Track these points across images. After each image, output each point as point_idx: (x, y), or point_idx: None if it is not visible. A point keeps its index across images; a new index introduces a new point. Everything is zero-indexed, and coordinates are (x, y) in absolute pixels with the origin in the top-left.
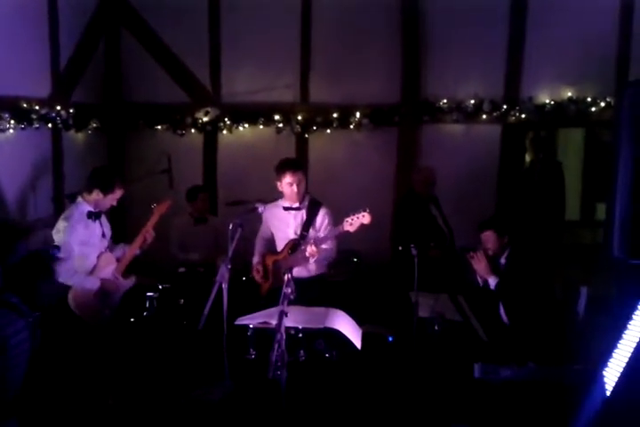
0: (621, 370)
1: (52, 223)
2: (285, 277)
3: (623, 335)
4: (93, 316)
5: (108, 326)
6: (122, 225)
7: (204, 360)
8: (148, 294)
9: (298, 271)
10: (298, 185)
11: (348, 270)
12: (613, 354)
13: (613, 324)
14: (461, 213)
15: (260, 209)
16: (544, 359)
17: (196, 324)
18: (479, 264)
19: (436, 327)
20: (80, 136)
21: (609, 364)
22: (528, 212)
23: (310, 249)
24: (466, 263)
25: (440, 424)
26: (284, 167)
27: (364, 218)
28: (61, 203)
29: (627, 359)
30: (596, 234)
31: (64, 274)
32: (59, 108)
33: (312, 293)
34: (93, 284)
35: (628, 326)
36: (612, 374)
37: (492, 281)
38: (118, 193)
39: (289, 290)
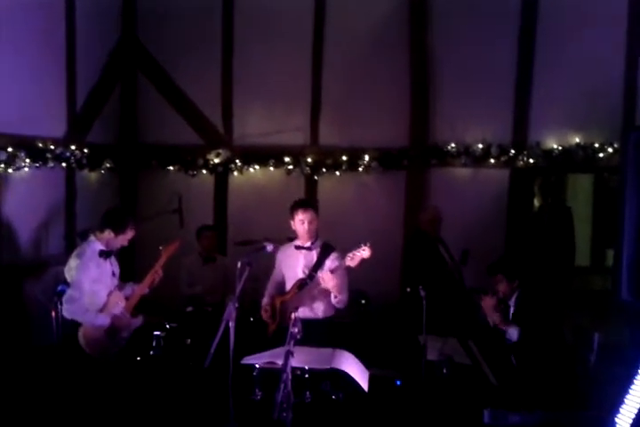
0: (633, 415)
1: (63, 261)
2: (292, 315)
3: (635, 380)
4: (102, 353)
5: (116, 364)
6: (131, 264)
7: (209, 400)
8: (155, 333)
9: (305, 312)
10: (309, 223)
11: (356, 312)
12: (625, 400)
13: (625, 369)
14: (470, 258)
15: (269, 248)
16: (554, 405)
17: (202, 363)
18: (488, 305)
19: (445, 371)
20: (93, 176)
21: (621, 409)
22: (537, 257)
23: (326, 276)
24: (476, 304)
25: None
26: (296, 205)
27: (365, 252)
28: (73, 241)
29: (638, 405)
30: (606, 280)
31: (76, 311)
32: (73, 147)
33: (319, 334)
34: (104, 321)
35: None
36: (624, 419)
37: (512, 331)
38: (130, 234)
39: (295, 329)
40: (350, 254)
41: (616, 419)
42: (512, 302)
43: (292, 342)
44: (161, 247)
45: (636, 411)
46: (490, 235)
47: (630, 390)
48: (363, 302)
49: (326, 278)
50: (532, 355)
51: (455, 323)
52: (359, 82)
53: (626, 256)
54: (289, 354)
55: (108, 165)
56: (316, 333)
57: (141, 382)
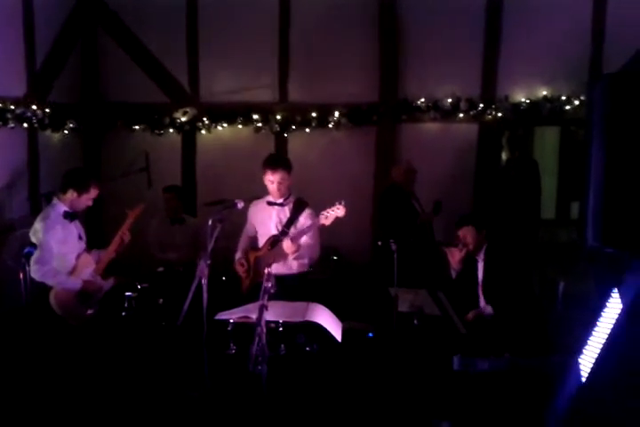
0: (596, 357)
1: (28, 223)
2: (265, 271)
3: (597, 323)
4: (75, 316)
5: (89, 325)
6: (99, 226)
7: (184, 357)
8: (127, 293)
9: (278, 268)
10: (279, 183)
11: (328, 268)
12: (588, 342)
13: (589, 314)
14: (441, 208)
15: (239, 205)
16: (522, 351)
17: (176, 322)
18: (455, 258)
19: (416, 322)
20: (56, 136)
21: (584, 351)
22: (505, 210)
23: (287, 244)
24: (444, 257)
25: (421, 418)
26: (264, 164)
27: (339, 211)
28: (37, 202)
29: (601, 346)
30: (571, 232)
31: (46, 274)
32: (34, 107)
33: (293, 289)
34: (75, 284)
35: (602, 313)
36: (586, 361)
37: (486, 308)
38: (93, 193)
39: (269, 284)
40: (325, 213)
41: (579, 360)
42: (480, 257)
43: (265, 297)
44: (127, 210)
45: (597, 352)
46: (459, 189)
47: (593, 332)
48: (334, 258)
49: (286, 246)
50: (500, 304)
51: (425, 275)
52: (327, 38)
53: (592, 203)
54: (263, 308)
55: (71, 126)
56: (289, 288)
57: (115, 342)
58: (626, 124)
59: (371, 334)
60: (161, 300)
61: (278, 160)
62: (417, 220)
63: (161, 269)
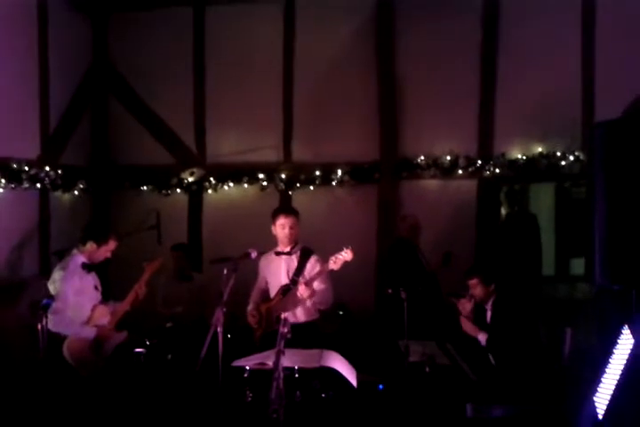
0: (611, 393)
1: (38, 282)
2: (282, 316)
3: (610, 361)
4: (87, 367)
5: (100, 377)
6: (104, 282)
7: (200, 404)
8: (137, 350)
9: (289, 317)
10: (291, 228)
11: (335, 323)
12: (602, 379)
13: (600, 354)
14: (452, 259)
15: (253, 255)
16: (533, 399)
17: (185, 379)
18: (465, 308)
19: (427, 369)
20: (67, 197)
21: (598, 389)
22: (507, 263)
23: (302, 289)
24: (452, 308)
25: None
26: (277, 211)
27: (347, 255)
28: (47, 261)
29: (615, 382)
30: (572, 289)
31: (61, 323)
32: (47, 168)
33: (304, 338)
34: (90, 333)
35: (614, 350)
36: (602, 398)
37: (482, 337)
38: (112, 245)
39: (285, 329)
40: (333, 258)
41: (594, 398)
42: (489, 306)
43: (282, 342)
44: (144, 263)
45: (612, 388)
46: (460, 244)
47: (606, 370)
48: (341, 313)
49: (302, 290)
50: (509, 353)
51: (433, 326)
52: (329, 99)
53: (598, 243)
54: (280, 353)
55: (81, 186)
56: (300, 336)
57: (127, 394)
58: (625, 168)
59: (381, 387)
60: (170, 355)
61: (289, 207)
62: (425, 270)
63: (170, 324)
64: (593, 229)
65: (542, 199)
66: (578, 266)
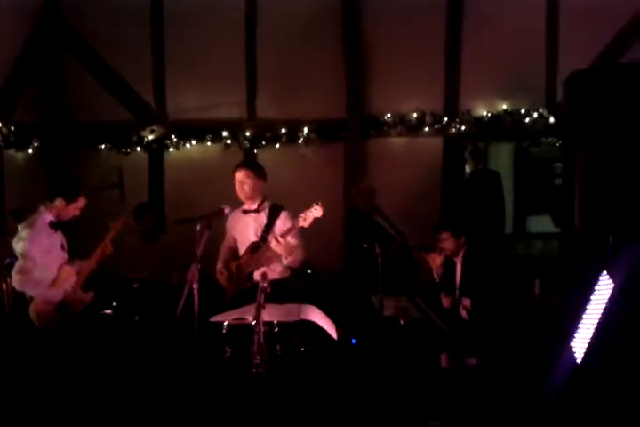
0: (590, 337)
1: None
2: (260, 270)
3: (587, 306)
4: (53, 328)
5: (67, 338)
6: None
7: (177, 360)
8: (103, 311)
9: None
10: (244, 183)
11: (305, 281)
12: (579, 325)
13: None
14: (408, 223)
15: (226, 210)
16: (505, 348)
17: (156, 338)
18: (435, 262)
19: (402, 322)
20: (21, 155)
21: (575, 335)
22: (472, 221)
23: (274, 244)
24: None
25: (413, 415)
26: (235, 167)
27: (317, 211)
28: (3, 221)
29: (593, 327)
30: (528, 246)
31: (28, 283)
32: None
33: (277, 295)
34: (57, 295)
35: (592, 297)
36: (580, 343)
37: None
38: (81, 202)
39: (265, 284)
40: (302, 215)
41: (572, 343)
42: (459, 259)
43: (262, 296)
44: (110, 222)
45: (590, 333)
46: (426, 201)
47: (584, 315)
48: (309, 271)
49: (275, 244)
50: (478, 302)
51: (404, 282)
52: (295, 55)
53: (578, 191)
54: (260, 307)
55: (35, 144)
56: (273, 294)
57: (97, 355)
58: (603, 116)
59: (354, 341)
60: (137, 317)
61: (245, 161)
62: (387, 233)
63: (136, 285)
64: (572, 181)
65: (501, 158)
66: (535, 224)
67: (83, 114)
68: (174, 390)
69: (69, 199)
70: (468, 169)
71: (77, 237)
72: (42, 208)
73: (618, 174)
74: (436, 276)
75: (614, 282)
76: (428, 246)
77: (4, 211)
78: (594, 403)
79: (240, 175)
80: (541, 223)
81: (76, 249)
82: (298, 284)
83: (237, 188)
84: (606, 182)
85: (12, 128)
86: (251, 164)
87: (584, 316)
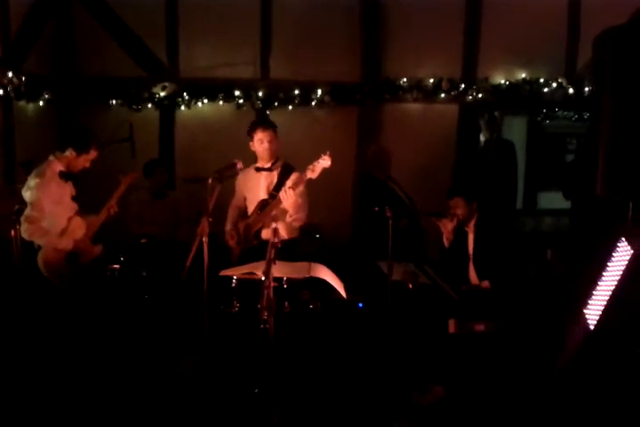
0: (604, 304)
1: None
2: (272, 225)
3: (604, 273)
4: (62, 278)
5: (75, 290)
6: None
7: (185, 314)
8: (111, 266)
9: (269, 234)
10: (269, 142)
11: (314, 244)
12: (594, 292)
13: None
14: (420, 190)
15: (239, 165)
16: (514, 315)
17: (164, 293)
18: (446, 229)
19: (410, 286)
20: (32, 107)
21: (589, 302)
22: (482, 190)
23: (283, 195)
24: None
25: (417, 377)
26: (254, 125)
27: (325, 161)
28: (12, 171)
29: (609, 294)
30: (538, 222)
31: (36, 233)
32: (10, 74)
33: (285, 257)
34: (67, 245)
35: (609, 264)
36: (594, 310)
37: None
38: (92, 154)
39: (276, 239)
40: (311, 166)
41: (586, 310)
42: (470, 228)
43: (272, 251)
44: (120, 176)
45: (605, 300)
46: (440, 168)
47: (600, 282)
48: (317, 235)
49: (285, 195)
50: (491, 274)
51: (411, 250)
52: (310, 16)
53: (602, 160)
54: (271, 261)
55: (47, 97)
56: (282, 253)
57: (106, 308)
58: (633, 76)
59: (361, 305)
60: (145, 272)
61: (267, 120)
62: (400, 199)
63: (144, 240)
64: (596, 145)
65: (515, 133)
66: (545, 200)
67: (94, 68)
68: (179, 344)
69: (80, 150)
70: (482, 138)
71: (87, 191)
72: (52, 158)
73: None
74: (446, 242)
75: (633, 248)
76: (440, 212)
77: (15, 161)
78: (607, 371)
79: (266, 135)
80: (552, 199)
81: (85, 203)
82: (306, 247)
83: (258, 147)
84: (631, 146)
85: (23, 78)
86: (272, 124)
87: (599, 283)
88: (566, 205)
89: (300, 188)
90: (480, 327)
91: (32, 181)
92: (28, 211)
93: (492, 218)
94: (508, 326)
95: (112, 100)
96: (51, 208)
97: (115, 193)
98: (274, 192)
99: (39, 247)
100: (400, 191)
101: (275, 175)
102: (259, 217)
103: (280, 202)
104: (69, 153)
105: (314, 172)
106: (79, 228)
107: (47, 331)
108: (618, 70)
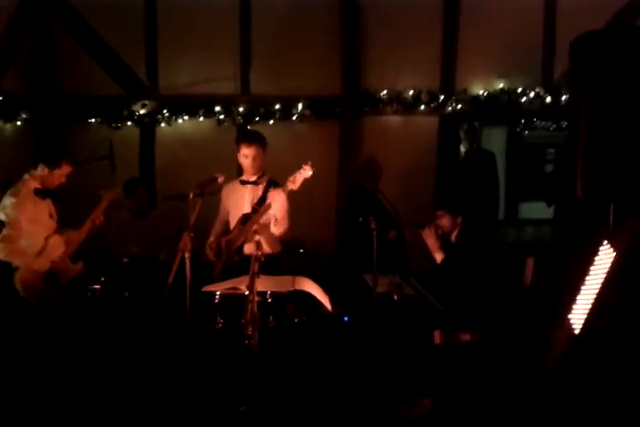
0: (588, 309)
1: None
2: (255, 238)
3: (587, 278)
4: (39, 298)
5: (53, 309)
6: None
7: (169, 331)
8: (91, 287)
9: (252, 249)
10: (253, 158)
11: (298, 260)
12: (578, 297)
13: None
14: (402, 201)
15: (220, 179)
16: (500, 324)
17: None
18: (430, 239)
19: (395, 298)
20: (9, 127)
21: (574, 307)
22: (464, 201)
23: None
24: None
25: (405, 387)
26: (239, 139)
27: (306, 171)
28: None
29: (592, 299)
30: (520, 233)
31: (14, 253)
32: None
33: (269, 269)
34: (44, 264)
35: (592, 267)
36: (578, 314)
37: (439, 257)
38: (65, 169)
39: (259, 252)
40: (291, 178)
41: (570, 315)
42: (453, 238)
43: (256, 265)
44: (102, 192)
45: (589, 305)
46: (421, 181)
47: (582, 287)
48: (301, 250)
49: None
50: (475, 283)
51: (395, 261)
52: (289, 30)
53: (581, 163)
54: (254, 275)
55: (24, 116)
56: (265, 268)
57: (85, 328)
58: (608, 81)
59: (346, 318)
60: (126, 293)
61: (253, 135)
62: (387, 210)
63: (126, 259)
64: (575, 150)
65: (494, 144)
66: (526, 210)
67: (73, 87)
68: (162, 364)
69: (52, 165)
70: (462, 149)
71: (68, 209)
72: (26, 177)
73: (621, 141)
74: (438, 256)
75: (615, 251)
76: (421, 223)
77: None
78: (593, 375)
79: (248, 151)
80: (533, 209)
81: (66, 221)
82: (292, 262)
83: (244, 161)
84: (609, 149)
85: (0, 98)
86: (259, 138)
87: (582, 287)
88: (547, 214)
89: (281, 201)
90: (466, 337)
91: (8, 201)
92: (5, 231)
93: (474, 229)
94: (493, 336)
95: (91, 118)
96: (28, 227)
97: (97, 208)
98: (256, 206)
99: (17, 267)
100: (387, 203)
101: (260, 189)
102: (241, 232)
103: (261, 215)
104: (41, 169)
105: (295, 183)
106: (57, 247)
107: (25, 352)
108: (593, 74)
